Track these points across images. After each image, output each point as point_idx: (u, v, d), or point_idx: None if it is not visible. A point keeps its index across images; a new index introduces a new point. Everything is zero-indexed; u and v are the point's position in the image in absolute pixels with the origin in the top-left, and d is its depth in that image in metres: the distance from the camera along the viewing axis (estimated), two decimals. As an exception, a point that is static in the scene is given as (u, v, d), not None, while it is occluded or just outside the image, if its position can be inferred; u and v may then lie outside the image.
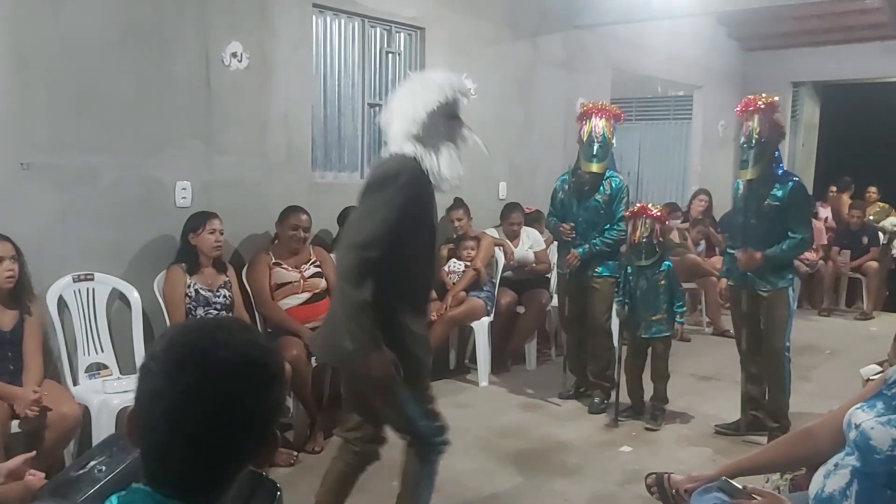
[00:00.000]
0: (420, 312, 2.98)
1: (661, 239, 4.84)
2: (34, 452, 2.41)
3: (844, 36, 9.15)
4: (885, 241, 8.96)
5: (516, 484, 4.01)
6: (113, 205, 4.13)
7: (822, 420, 2.48)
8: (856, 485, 2.16)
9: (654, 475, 2.58)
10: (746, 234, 4.51)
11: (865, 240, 8.72)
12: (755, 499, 2.24)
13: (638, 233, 4.81)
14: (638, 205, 4.92)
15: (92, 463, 1.53)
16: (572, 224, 5.14)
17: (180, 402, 1.16)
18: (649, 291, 4.84)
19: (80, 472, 1.52)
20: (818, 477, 2.30)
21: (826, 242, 8.85)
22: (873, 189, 9.51)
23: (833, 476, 2.23)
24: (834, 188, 9.83)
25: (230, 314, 4.32)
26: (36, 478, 2.32)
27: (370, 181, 2.80)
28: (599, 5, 7.03)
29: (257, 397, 1.20)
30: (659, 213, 4.83)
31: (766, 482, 2.79)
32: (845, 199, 9.21)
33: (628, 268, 4.93)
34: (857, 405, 2.28)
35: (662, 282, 4.82)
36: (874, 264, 8.66)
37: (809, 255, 8.05)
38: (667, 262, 4.93)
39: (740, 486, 2.30)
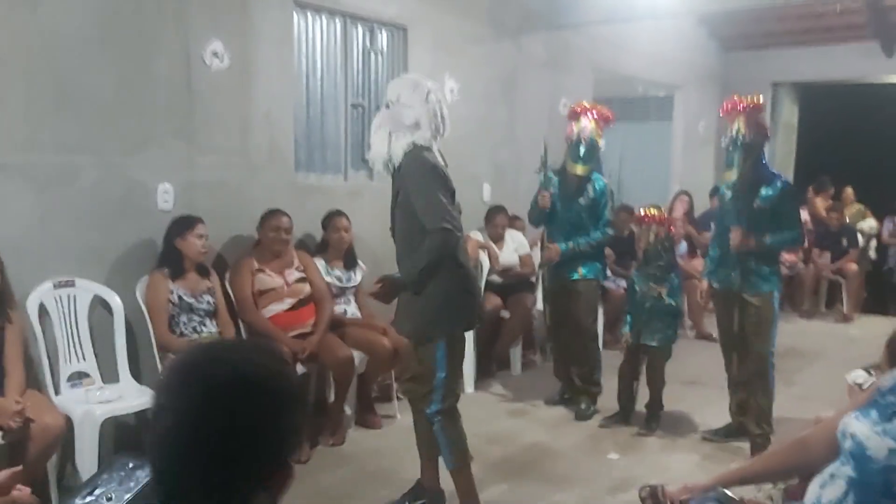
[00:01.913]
0: None
1: (666, 244, 4.82)
2: (21, 467, 2.34)
3: (823, 37, 9.21)
4: (863, 244, 9.03)
5: (505, 492, 3.97)
6: (93, 207, 4.04)
7: (815, 429, 2.46)
8: (852, 495, 2.14)
9: (647, 487, 2.55)
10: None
11: (845, 241, 8.78)
12: (752, 510, 2.22)
13: (644, 241, 4.80)
14: (642, 211, 4.90)
15: (99, 491, 1.47)
16: (557, 248, 5.10)
17: (183, 421, 1.15)
18: (651, 299, 4.80)
19: (88, 500, 1.46)
20: (814, 487, 2.28)
21: (805, 245, 8.89)
22: (849, 190, 9.57)
23: (829, 486, 2.21)
24: (810, 189, 9.87)
25: (213, 320, 4.26)
26: (23, 493, 2.26)
27: (420, 165, 3.33)
28: (582, 5, 7.01)
29: (262, 421, 1.17)
30: (660, 219, 4.82)
31: (759, 492, 2.77)
32: (819, 201, 9.26)
33: (635, 278, 4.89)
34: (852, 414, 2.27)
35: (665, 289, 4.78)
36: (854, 266, 8.71)
37: (788, 257, 8.08)
38: (676, 278, 4.89)
39: (737, 499, 2.28)
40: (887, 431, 2.10)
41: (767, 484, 2.78)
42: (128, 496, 1.45)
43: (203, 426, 1.14)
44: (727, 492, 2.29)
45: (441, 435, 3.49)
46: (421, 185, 3.30)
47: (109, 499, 1.44)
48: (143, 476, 1.47)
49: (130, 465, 1.49)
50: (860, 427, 2.16)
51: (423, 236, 3.31)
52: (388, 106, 3.42)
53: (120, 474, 1.49)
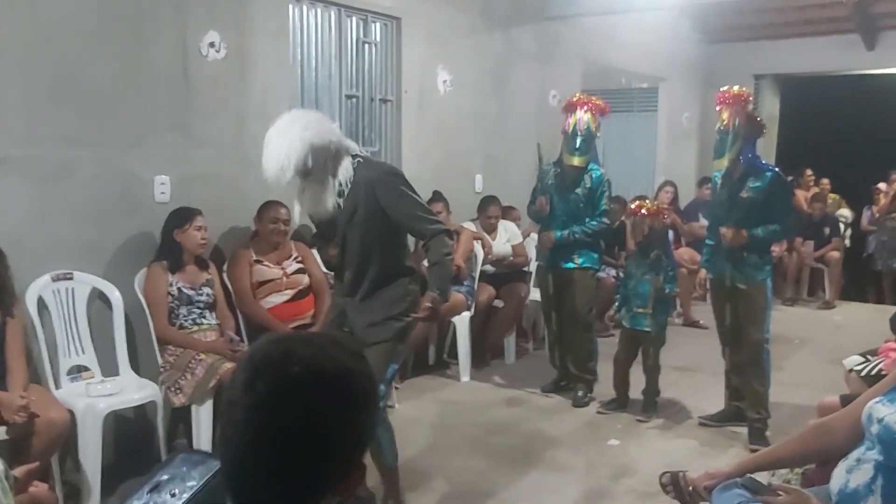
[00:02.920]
0: None
1: (662, 235, 4.89)
2: (37, 463, 2.31)
3: (805, 29, 9.30)
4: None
5: (511, 481, 3.98)
6: (91, 200, 3.98)
7: (838, 414, 2.50)
8: (881, 479, 2.17)
9: (668, 474, 2.57)
10: (727, 225, 4.54)
11: (827, 230, 8.92)
12: (780, 495, 2.24)
13: (638, 233, 4.83)
14: (632, 205, 4.93)
15: (164, 486, 1.43)
16: (550, 236, 5.13)
17: (253, 415, 1.12)
18: (641, 284, 4.85)
19: (152, 496, 1.42)
20: (840, 472, 2.31)
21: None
22: (825, 181, 9.68)
23: (856, 471, 2.24)
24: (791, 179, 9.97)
25: (213, 312, 4.22)
26: (40, 489, 2.23)
27: (388, 175, 3.27)
28: (571, -3, 7.03)
29: (333, 419, 1.13)
30: (653, 210, 4.85)
31: (773, 476, 2.80)
32: (800, 192, 9.37)
33: (630, 267, 4.94)
34: (877, 399, 2.29)
35: (661, 279, 4.81)
36: (836, 254, 8.86)
37: (775, 248, 8.17)
38: (673, 267, 4.93)
39: (765, 483, 2.30)
40: (916, 415, 2.13)
41: (783, 469, 2.80)
42: (187, 495, 1.41)
43: (273, 423, 1.11)
44: (754, 477, 2.31)
45: (386, 431, 3.44)
46: (399, 192, 3.22)
47: (174, 494, 1.41)
48: (204, 472, 1.43)
49: (192, 460, 1.46)
50: (888, 412, 2.19)
51: (388, 249, 3.28)
52: (307, 174, 3.15)
53: (182, 470, 1.46)
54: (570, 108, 5.08)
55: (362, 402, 1.17)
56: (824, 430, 2.46)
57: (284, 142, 3.06)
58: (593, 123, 5.02)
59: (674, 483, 2.54)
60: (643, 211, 4.83)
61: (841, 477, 2.29)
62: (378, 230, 3.23)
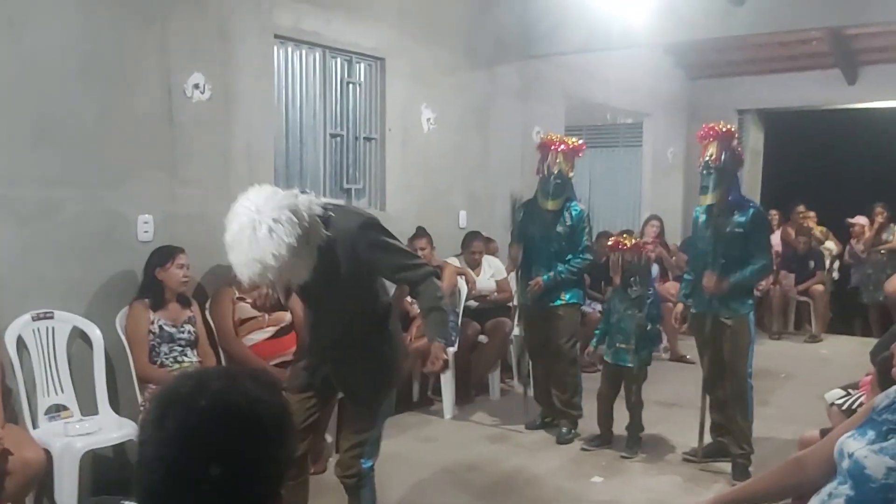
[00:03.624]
0: None
1: (643, 270, 4.92)
2: (10, 504, 2.30)
3: (787, 65, 9.45)
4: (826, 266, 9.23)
5: (491, 518, 3.96)
6: (73, 239, 4.00)
7: (811, 449, 2.50)
8: (851, 514, 2.18)
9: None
10: (708, 260, 4.58)
11: (812, 264, 8.96)
12: (752, 532, 2.24)
13: (619, 268, 4.85)
14: (612, 240, 4.96)
15: None
16: (539, 282, 5.12)
17: (163, 452, 1.12)
18: (624, 320, 4.87)
19: None
20: (812, 507, 2.32)
21: (774, 268, 9.05)
22: (810, 214, 9.74)
23: (827, 506, 2.25)
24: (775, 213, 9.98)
25: (194, 350, 4.22)
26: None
27: (365, 229, 2.99)
28: (553, 35, 7.12)
29: (244, 452, 1.13)
30: (633, 247, 4.88)
31: (750, 511, 2.79)
32: (789, 227, 9.43)
33: (614, 302, 4.95)
34: (848, 434, 2.30)
35: (641, 314, 4.84)
36: (820, 287, 8.89)
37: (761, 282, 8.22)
38: (652, 301, 4.95)
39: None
40: (885, 449, 2.14)
41: (761, 504, 2.79)
42: None
43: (183, 459, 1.10)
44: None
45: (369, 491, 3.26)
46: (380, 245, 3.01)
47: None
48: None
49: None
50: (857, 446, 2.20)
51: (367, 299, 3.11)
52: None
53: None
54: (544, 148, 5.10)
55: (275, 433, 1.16)
56: (799, 464, 2.47)
57: (260, 242, 2.69)
58: (566, 165, 5.04)
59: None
60: (621, 246, 4.86)
61: (813, 512, 2.29)
62: (357, 283, 3.05)
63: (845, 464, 2.24)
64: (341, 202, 3.26)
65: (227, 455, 1.11)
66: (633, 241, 4.95)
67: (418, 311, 5.56)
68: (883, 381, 2.66)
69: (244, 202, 2.79)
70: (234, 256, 2.79)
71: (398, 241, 3.13)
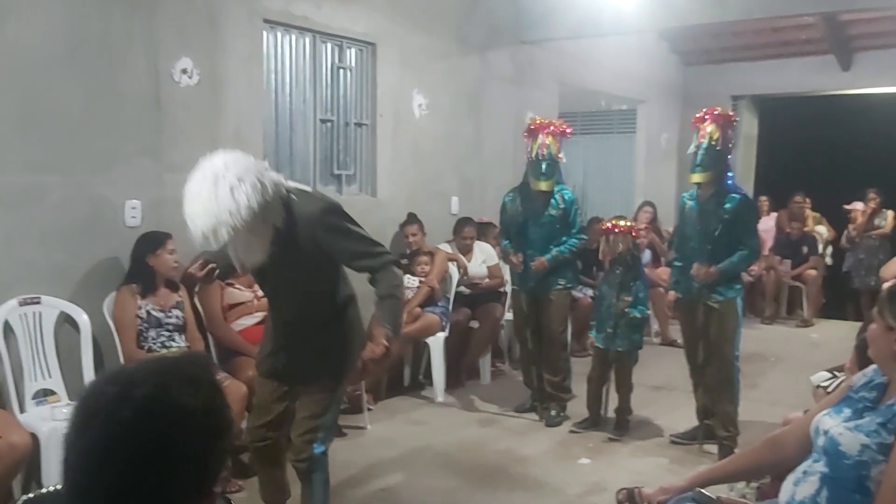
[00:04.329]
0: None
1: (633, 255, 4.93)
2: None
3: (781, 51, 9.43)
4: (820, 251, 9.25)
5: (479, 500, 4.00)
6: (60, 225, 4.00)
7: (788, 428, 2.52)
8: (825, 491, 2.19)
9: (624, 490, 2.58)
10: (694, 246, 4.59)
11: (805, 249, 8.98)
12: (728, 510, 2.26)
13: (611, 252, 4.87)
14: (608, 223, 4.98)
15: None
16: (521, 257, 5.15)
17: (83, 462, 1.09)
18: (614, 304, 4.89)
19: None
20: (787, 485, 2.34)
21: (766, 253, 9.06)
22: (801, 198, 9.71)
23: (802, 483, 2.27)
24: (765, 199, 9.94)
25: (182, 335, 4.23)
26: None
27: (326, 214, 2.93)
28: (547, 21, 7.10)
29: (170, 460, 1.09)
30: (627, 229, 4.90)
31: (731, 490, 2.82)
32: (784, 213, 9.43)
33: (602, 287, 4.97)
34: (824, 411, 2.32)
35: (630, 299, 4.86)
36: (813, 272, 8.92)
37: (753, 267, 8.23)
38: (641, 286, 4.98)
39: (714, 497, 2.32)
40: (859, 427, 2.16)
41: (740, 483, 2.82)
42: None
43: (105, 470, 1.07)
44: (704, 491, 2.33)
45: (321, 475, 3.19)
46: (340, 231, 2.94)
47: None
48: None
49: None
50: (833, 423, 2.22)
51: (326, 285, 3.07)
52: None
53: None
54: (533, 133, 5.13)
55: (205, 437, 1.12)
56: (776, 443, 2.49)
57: (218, 198, 2.64)
58: (555, 146, 5.07)
59: (630, 499, 2.55)
60: (613, 228, 4.88)
61: (788, 489, 2.31)
62: (316, 269, 3.00)
63: (821, 441, 2.26)
64: (308, 188, 3.11)
65: (151, 467, 1.08)
66: (627, 224, 4.96)
67: (408, 298, 5.62)
68: (861, 362, 2.68)
69: (213, 157, 2.76)
70: (190, 207, 2.71)
71: (360, 228, 3.03)
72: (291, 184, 2.98)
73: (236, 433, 4.19)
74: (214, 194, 2.64)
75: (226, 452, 1.19)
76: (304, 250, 2.91)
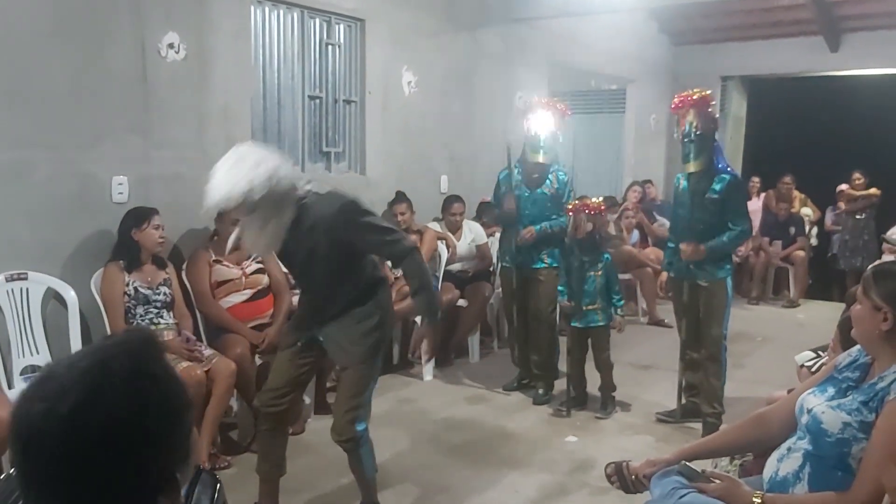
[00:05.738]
0: None
1: (600, 234, 4.95)
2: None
3: (771, 32, 9.43)
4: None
5: (466, 477, 4.02)
6: (47, 201, 3.98)
7: (773, 406, 2.55)
8: (808, 467, 2.23)
9: (612, 464, 2.62)
10: (688, 227, 4.61)
11: (793, 230, 9.02)
12: (713, 482, 2.30)
13: (580, 229, 4.89)
14: (576, 201, 5.00)
15: None
16: (532, 231, 5.16)
17: (26, 488, 1.08)
18: (587, 282, 4.93)
19: None
20: (772, 461, 2.37)
21: (752, 235, 9.08)
22: (788, 179, 9.74)
23: (786, 460, 2.30)
24: (757, 180, 9.97)
25: (170, 312, 4.22)
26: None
27: (342, 213, 3.13)
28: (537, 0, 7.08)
29: (124, 463, 1.05)
30: (597, 208, 4.91)
31: (715, 467, 2.85)
32: (771, 193, 9.46)
33: (571, 260, 5.00)
34: (809, 390, 2.36)
35: (600, 273, 4.92)
36: (801, 253, 8.96)
37: (741, 248, 8.27)
38: (606, 255, 5.03)
39: (699, 470, 2.35)
40: (842, 405, 2.20)
41: (723, 460, 2.86)
42: None
43: (47, 493, 1.05)
44: (689, 464, 2.36)
45: (367, 450, 3.41)
46: (361, 226, 3.17)
47: None
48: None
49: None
50: (816, 402, 2.26)
51: (354, 271, 3.24)
52: (251, 210, 3.04)
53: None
54: (532, 110, 5.17)
55: (147, 437, 1.07)
56: (761, 420, 2.52)
57: (234, 174, 2.95)
58: (555, 122, 5.10)
59: (618, 473, 2.59)
60: (584, 208, 4.90)
61: (772, 465, 2.35)
62: (342, 261, 3.20)
63: (804, 419, 2.29)
64: (329, 188, 3.31)
65: (95, 480, 1.04)
66: (597, 204, 4.98)
67: (396, 276, 5.62)
68: (844, 342, 2.71)
69: (244, 145, 3.19)
70: (211, 181, 3.01)
71: (377, 218, 3.28)
72: (315, 186, 3.23)
73: (226, 411, 4.23)
74: (231, 171, 2.96)
75: (180, 442, 1.13)
76: (328, 246, 3.12)
